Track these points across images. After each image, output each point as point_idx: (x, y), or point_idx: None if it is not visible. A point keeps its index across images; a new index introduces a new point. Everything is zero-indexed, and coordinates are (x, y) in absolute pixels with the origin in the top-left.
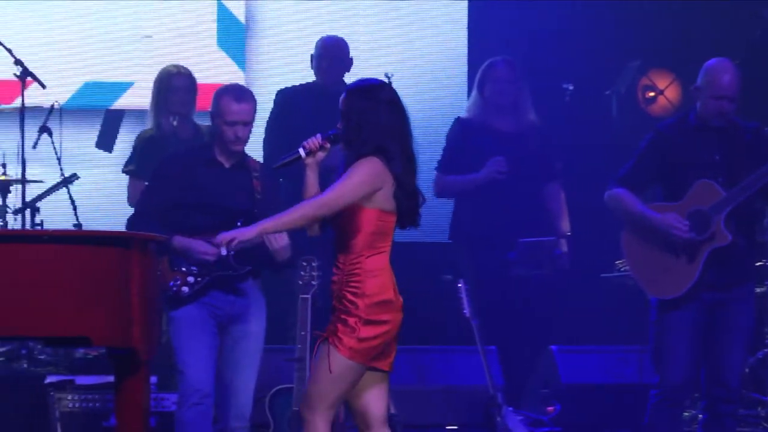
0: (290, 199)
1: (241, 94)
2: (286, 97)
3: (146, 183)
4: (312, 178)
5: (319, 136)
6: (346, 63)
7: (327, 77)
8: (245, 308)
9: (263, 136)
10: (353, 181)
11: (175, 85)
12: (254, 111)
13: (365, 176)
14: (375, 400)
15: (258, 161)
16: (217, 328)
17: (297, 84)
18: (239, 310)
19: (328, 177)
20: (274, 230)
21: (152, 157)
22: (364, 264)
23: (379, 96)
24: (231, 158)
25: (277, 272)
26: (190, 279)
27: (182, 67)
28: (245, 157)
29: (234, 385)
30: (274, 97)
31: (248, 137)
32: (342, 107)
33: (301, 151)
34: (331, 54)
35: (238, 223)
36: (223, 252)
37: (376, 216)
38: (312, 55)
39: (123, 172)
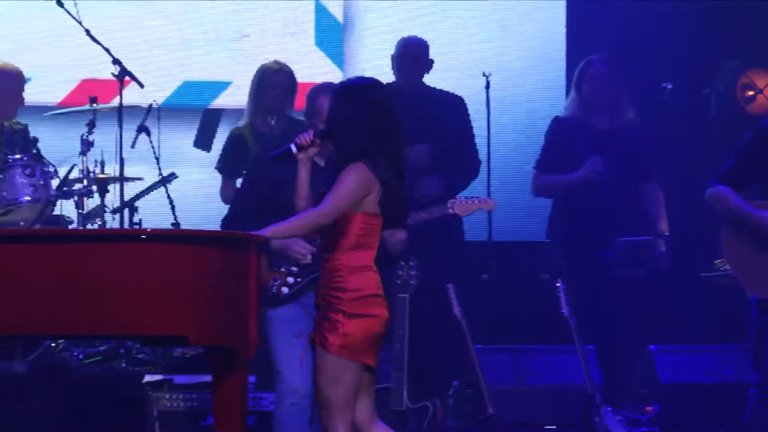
0: None
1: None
2: None
3: (238, 181)
4: (303, 174)
5: (311, 132)
6: (425, 64)
7: (405, 77)
8: None
9: None
10: (346, 188)
11: (274, 82)
12: None
13: (355, 184)
14: (359, 404)
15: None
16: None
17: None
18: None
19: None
20: (284, 235)
21: (242, 155)
22: (346, 261)
23: (363, 97)
24: (326, 157)
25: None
26: (290, 279)
27: (284, 64)
28: None
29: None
30: None
31: None
32: (328, 106)
33: (293, 147)
34: (410, 54)
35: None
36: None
37: (362, 219)
38: (392, 55)
39: (215, 169)
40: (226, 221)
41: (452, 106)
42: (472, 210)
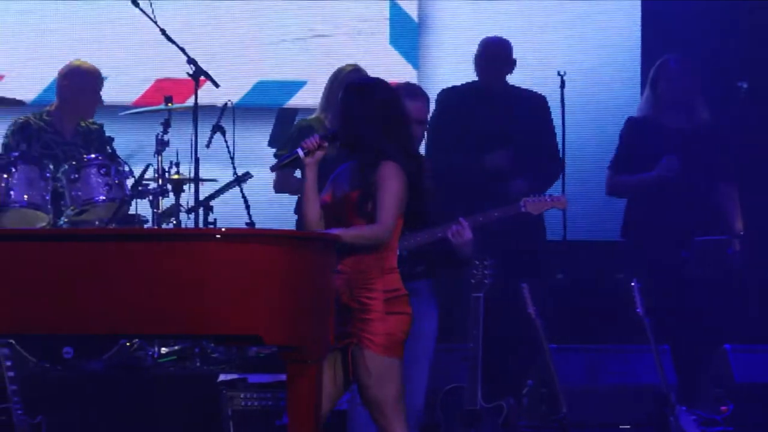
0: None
1: (415, 92)
2: (448, 97)
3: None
4: (311, 178)
5: (317, 136)
6: (509, 64)
7: (488, 77)
8: (418, 308)
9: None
10: (394, 194)
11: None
12: (428, 109)
13: (400, 187)
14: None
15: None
16: None
17: (460, 84)
18: (412, 310)
19: None
20: (348, 241)
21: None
22: (376, 262)
23: (373, 95)
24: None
25: (452, 270)
26: None
27: (359, 67)
28: (419, 157)
29: (405, 385)
30: None
31: (423, 135)
32: (340, 104)
33: (300, 152)
34: (493, 54)
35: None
36: (396, 251)
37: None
38: (474, 55)
39: (275, 155)
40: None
41: (535, 105)
42: (544, 208)
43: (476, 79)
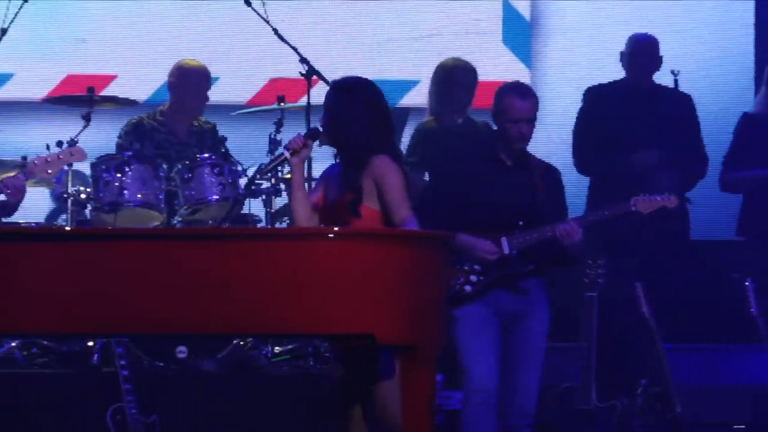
0: None
1: (524, 91)
2: (595, 95)
3: (425, 176)
4: (298, 177)
5: (300, 135)
6: (657, 61)
7: (637, 74)
8: (528, 307)
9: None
10: (399, 182)
11: (456, 78)
12: (537, 108)
13: (401, 172)
14: None
15: (542, 160)
16: (500, 327)
17: (605, 82)
18: (522, 309)
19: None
20: None
21: (431, 149)
22: None
23: (360, 93)
24: (513, 156)
25: (562, 269)
26: (473, 278)
27: (463, 60)
28: (528, 156)
29: (518, 384)
30: (563, 94)
31: (531, 134)
32: (326, 103)
33: (286, 153)
34: (642, 51)
35: (520, 223)
36: (506, 250)
37: (378, 216)
38: (621, 52)
39: (405, 164)
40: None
41: (680, 103)
42: (654, 207)
43: (597, 78)
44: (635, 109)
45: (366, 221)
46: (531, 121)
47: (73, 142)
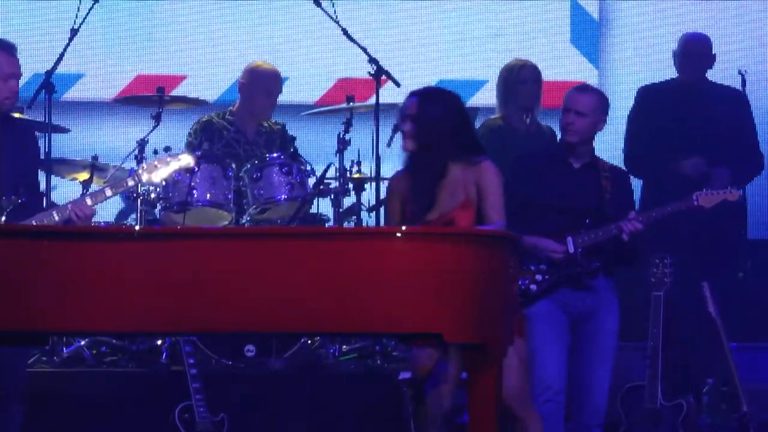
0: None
1: (583, 87)
2: (648, 94)
3: None
4: None
5: None
6: (709, 60)
7: (689, 74)
8: (596, 305)
9: (623, 134)
10: (501, 188)
11: (522, 78)
12: (595, 105)
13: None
14: None
15: (608, 163)
16: (569, 325)
17: (658, 81)
18: (590, 308)
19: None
20: None
21: (497, 147)
22: None
23: (446, 101)
24: (581, 158)
25: (625, 267)
26: (539, 277)
27: (526, 60)
28: (595, 158)
29: (588, 383)
30: (631, 94)
31: (582, 129)
32: (414, 112)
33: None
34: (694, 50)
35: (587, 221)
36: (571, 249)
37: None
38: (674, 52)
39: None
40: None
41: (734, 102)
42: (716, 201)
43: (665, 77)
44: (687, 109)
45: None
46: (582, 114)
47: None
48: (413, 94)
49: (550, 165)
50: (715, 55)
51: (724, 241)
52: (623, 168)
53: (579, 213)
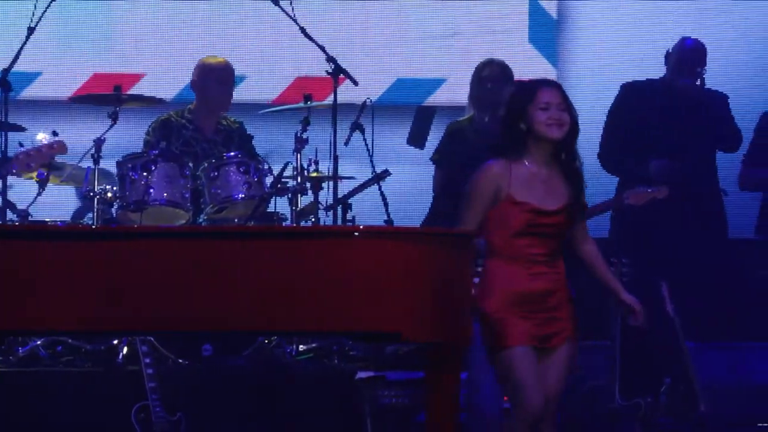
0: None
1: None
2: (631, 92)
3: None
4: None
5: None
6: (698, 68)
7: (680, 77)
8: None
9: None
10: None
11: (484, 76)
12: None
13: None
14: None
15: None
16: None
17: (642, 79)
18: None
19: None
20: None
21: (457, 147)
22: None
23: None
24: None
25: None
26: None
27: (494, 59)
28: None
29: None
30: (590, 92)
31: None
32: (569, 104)
33: None
34: (692, 58)
35: None
36: None
37: None
38: (667, 51)
39: (430, 159)
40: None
41: (717, 104)
42: (645, 199)
43: (625, 77)
44: (672, 108)
45: None
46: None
47: (54, 134)
48: (553, 84)
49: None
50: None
51: (696, 240)
52: None
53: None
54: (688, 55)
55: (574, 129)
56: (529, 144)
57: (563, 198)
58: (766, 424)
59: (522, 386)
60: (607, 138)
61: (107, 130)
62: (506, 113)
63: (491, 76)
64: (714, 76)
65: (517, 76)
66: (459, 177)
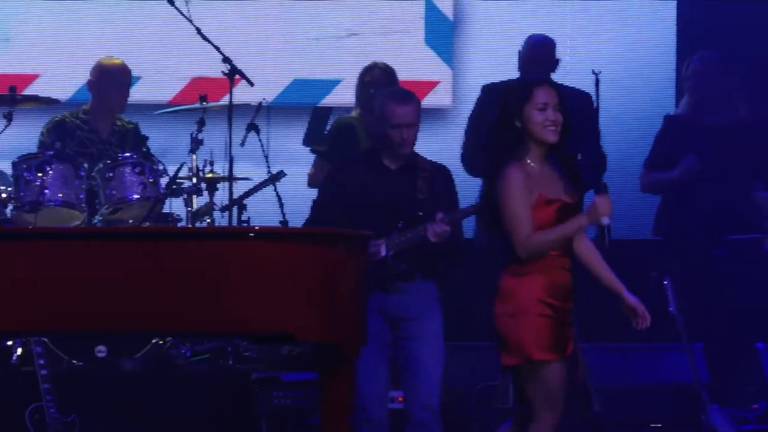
0: None
1: (403, 96)
2: (491, 94)
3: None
4: None
5: None
6: (551, 63)
7: (531, 75)
8: (417, 309)
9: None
10: None
11: (367, 80)
12: (419, 112)
13: None
14: None
15: (430, 161)
16: (388, 330)
17: (500, 81)
18: (410, 311)
19: None
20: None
21: (345, 144)
22: None
23: None
24: (398, 161)
25: (445, 269)
26: None
27: (378, 62)
28: (415, 158)
29: (419, 378)
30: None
31: (415, 139)
32: (564, 107)
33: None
34: (536, 53)
35: (399, 225)
36: (382, 252)
37: None
38: (519, 52)
39: (312, 150)
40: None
41: (580, 104)
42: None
43: (517, 75)
44: None
45: None
46: (412, 125)
47: None
48: (550, 84)
49: (367, 169)
50: (558, 59)
51: None
52: (444, 165)
53: (394, 214)
54: (538, 50)
55: (565, 127)
56: (528, 142)
57: (570, 191)
58: (658, 425)
59: (557, 396)
60: (468, 139)
61: (2, 131)
62: (501, 111)
63: (373, 81)
64: (614, 78)
65: (413, 78)
66: (343, 172)
